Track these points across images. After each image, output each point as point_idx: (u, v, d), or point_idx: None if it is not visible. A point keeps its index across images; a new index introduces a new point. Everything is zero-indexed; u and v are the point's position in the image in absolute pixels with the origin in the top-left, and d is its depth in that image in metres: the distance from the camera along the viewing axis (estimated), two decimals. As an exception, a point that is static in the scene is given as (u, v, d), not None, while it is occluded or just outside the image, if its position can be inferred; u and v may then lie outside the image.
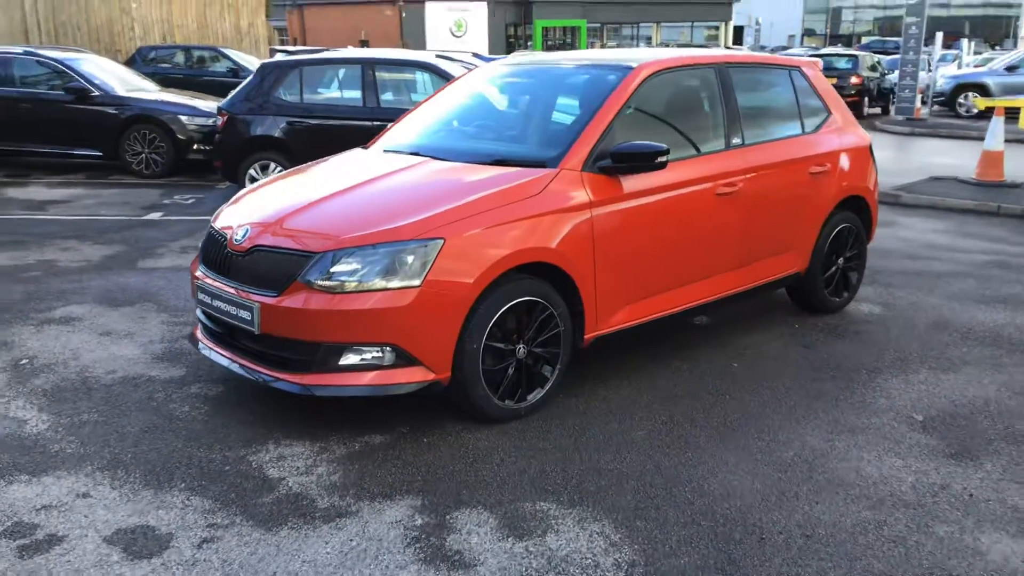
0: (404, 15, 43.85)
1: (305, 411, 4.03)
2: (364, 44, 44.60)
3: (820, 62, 6.10)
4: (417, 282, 3.63)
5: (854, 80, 20.23)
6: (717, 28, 53.44)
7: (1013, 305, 5.86)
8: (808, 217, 5.32)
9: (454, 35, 42.42)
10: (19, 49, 12.39)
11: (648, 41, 51.96)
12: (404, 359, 3.68)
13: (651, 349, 4.91)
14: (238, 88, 9.43)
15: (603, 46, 46.10)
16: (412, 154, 4.68)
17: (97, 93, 11.34)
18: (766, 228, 5.06)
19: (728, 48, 35.21)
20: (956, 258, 7.26)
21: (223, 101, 9.51)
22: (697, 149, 4.77)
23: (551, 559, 2.92)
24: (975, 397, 4.33)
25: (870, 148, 5.81)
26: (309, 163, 5.17)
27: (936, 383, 4.50)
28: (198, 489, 3.34)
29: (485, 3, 42.29)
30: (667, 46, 41.05)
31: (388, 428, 3.90)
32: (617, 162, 4.19)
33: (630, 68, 4.60)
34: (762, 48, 45.48)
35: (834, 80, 18.34)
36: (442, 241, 3.68)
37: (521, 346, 3.97)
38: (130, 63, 16.93)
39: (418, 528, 3.09)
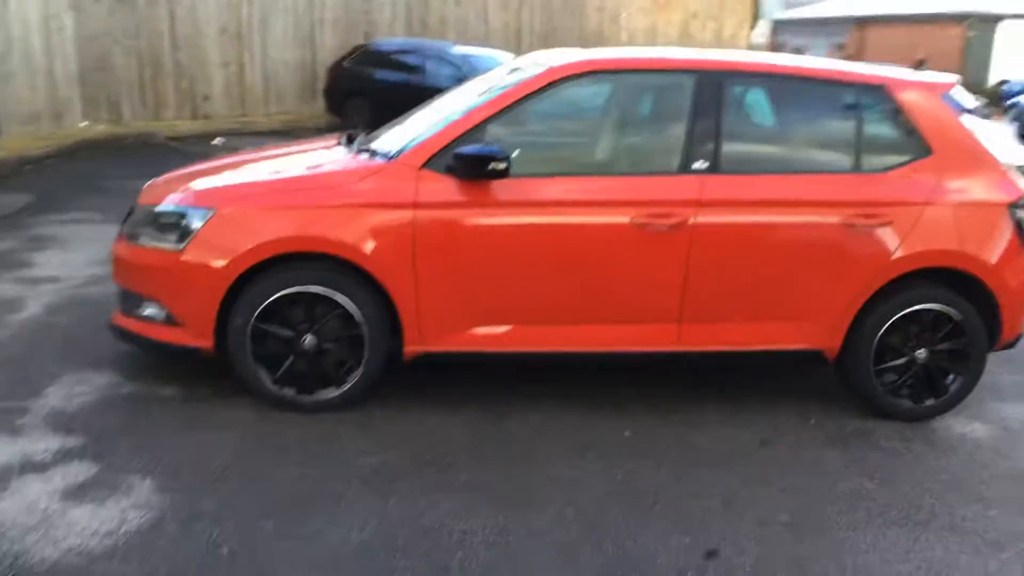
0: (971, 35, 39.08)
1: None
2: (920, 65, 41.05)
3: (955, 83, 4.33)
4: (180, 246, 3.76)
5: None
6: None
7: None
8: (838, 280, 3.92)
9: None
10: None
11: None
12: (170, 319, 3.86)
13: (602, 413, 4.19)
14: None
15: None
16: None
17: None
18: (740, 281, 3.91)
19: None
20: None
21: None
22: (618, 168, 3.92)
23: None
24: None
25: (1011, 209, 4.00)
26: None
27: None
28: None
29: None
30: None
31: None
32: (456, 163, 3.72)
33: (542, 69, 3.97)
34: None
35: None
36: (212, 211, 3.75)
37: (309, 337, 3.82)
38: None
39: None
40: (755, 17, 22.70)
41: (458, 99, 4.32)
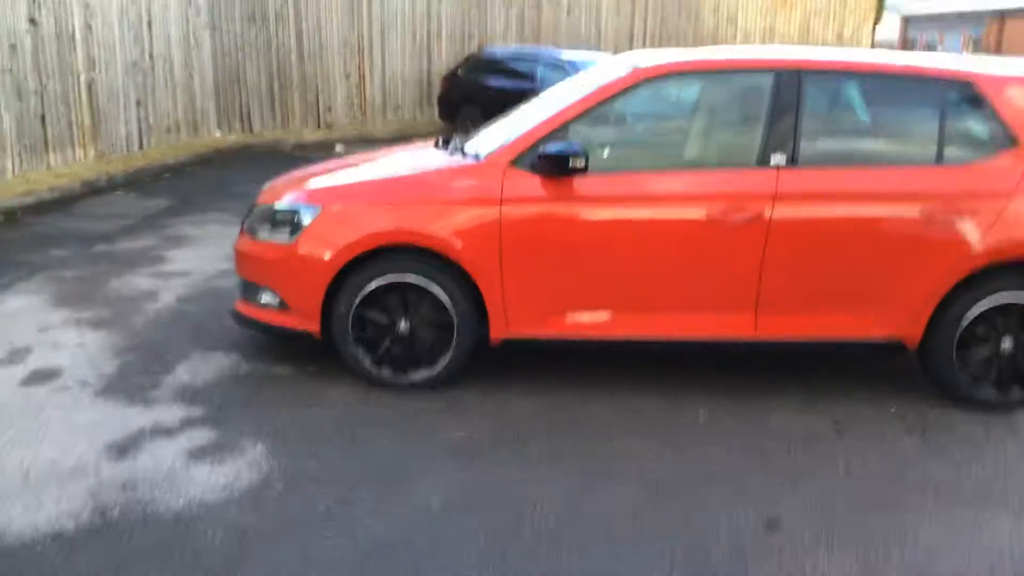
0: (1123, 24, 36.45)
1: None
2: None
3: None
4: (292, 240, 4.16)
5: None
6: None
7: None
8: (917, 271, 3.96)
9: None
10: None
11: None
12: (283, 305, 4.26)
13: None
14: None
15: None
16: None
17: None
18: (817, 272, 4.01)
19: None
20: None
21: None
22: (698, 163, 4.08)
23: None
24: None
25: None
26: None
27: None
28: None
29: None
30: None
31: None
32: (539, 161, 3.97)
33: (628, 70, 4.17)
34: None
35: None
36: (320, 208, 4.14)
37: (404, 323, 4.15)
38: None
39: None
40: (879, 13, 21.93)
41: (548, 101, 4.58)
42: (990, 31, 45.33)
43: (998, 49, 43.89)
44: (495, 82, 14.18)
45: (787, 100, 4.01)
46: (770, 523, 3.10)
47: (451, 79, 15.19)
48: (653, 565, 2.86)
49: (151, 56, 11.68)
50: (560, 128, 4.07)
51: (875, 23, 21.94)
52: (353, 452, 3.58)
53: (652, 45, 20.66)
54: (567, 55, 14.18)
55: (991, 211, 3.88)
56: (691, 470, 3.49)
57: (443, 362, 4.17)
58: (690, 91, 4.50)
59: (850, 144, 4.23)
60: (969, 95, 4.03)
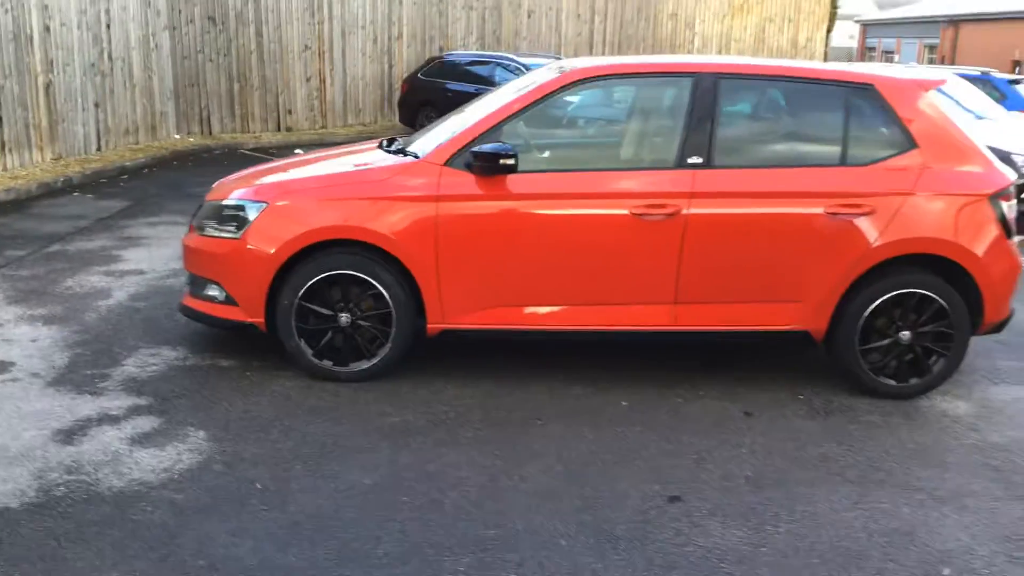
0: (1072, 32, 37.51)
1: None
2: (1017, 66, 39.58)
3: (943, 81, 4.58)
4: (237, 235, 4.36)
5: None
6: None
7: None
8: (822, 266, 4.25)
9: None
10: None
11: None
12: (229, 299, 4.46)
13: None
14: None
15: None
16: None
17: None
18: (730, 266, 4.28)
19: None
20: None
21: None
22: (618, 163, 4.34)
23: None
24: None
25: (991, 200, 4.25)
26: None
27: None
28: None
29: None
30: None
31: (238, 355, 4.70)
32: (473, 160, 4.21)
33: (557, 74, 4.43)
34: None
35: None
36: (265, 205, 4.34)
37: (345, 315, 4.36)
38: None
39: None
40: (832, 20, 22.48)
41: (485, 103, 4.82)
42: (945, 38, 46.41)
43: (952, 55, 45.01)
44: (455, 85, 14.44)
45: (704, 103, 4.29)
46: (673, 498, 3.36)
47: (411, 82, 15.42)
48: (562, 532, 3.11)
49: (110, 58, 11.75)
50: (493, 129, 4.32)
51: (828, 30, 22.48)
52: (291, 437, 3.79)
53: (611, 49, 21.02)
54: (525, 59, 14.46)
55: (890, 209, 4.19)
56: (608, 451, 3.74)
57: (382, 353, 4.39)
58: (617, 94, 4.78)
59: (762, 146, 4.52)
60: (871, 100, 4.34)
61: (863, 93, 4.36)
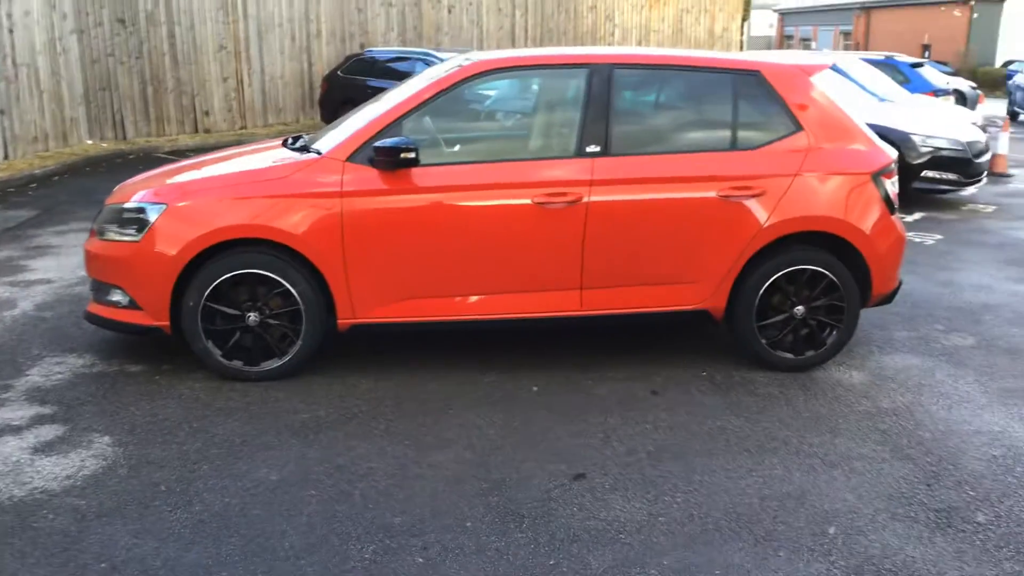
0: (975, 16, 39.05)
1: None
2: (926, 50, 41.05)
3: (826, 66, 4.78)
4: (138, 238, 4.32)
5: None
6: None
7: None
8: (717, 247, 4.40)
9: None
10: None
11: None
12: (133, 303, 4.41)
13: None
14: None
15: None
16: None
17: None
18: (631, 250, 4.40)
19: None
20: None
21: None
22: (520, 154, 4.42)
23: (19, 468, 3.49)
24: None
25: (874, 178, 4.46)
26: None
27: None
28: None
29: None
30: None
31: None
32: (375, 155, 4.24)
33: (454, 69, 4.49)
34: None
35: None
36: (165, 206, 4.30)
37: (253, 314, 4.35)
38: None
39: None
40: (746, 10, 23.03)
41: (387, 99, 4.84)
42: (858, 24, 47.88)
43: (866, 41, 46.48)
44: (376, 83, 14.34)
45: (600, 93, 4.40)
46: (578, 475, 3.46)
47: (331, 80, 15.28)
48: (468, 515, 3.18)
49: (14, 63, 11.39)
50: (394, 123, 4.35)
51: (744, 19, 23.02)
52: (198, 437, 3.77)
53: (533, 43, 21.16)
54: (446, 55, 14.45)
55: (778, 190, 4.35)
56: (517, 435, 3.82)
57: (293, 351, 4.39)
58: (516, 86, 4.85)
59: (657, 133, 4.66)
60: (758, 86, 4.50)
61: (750, 80, 4.52)
